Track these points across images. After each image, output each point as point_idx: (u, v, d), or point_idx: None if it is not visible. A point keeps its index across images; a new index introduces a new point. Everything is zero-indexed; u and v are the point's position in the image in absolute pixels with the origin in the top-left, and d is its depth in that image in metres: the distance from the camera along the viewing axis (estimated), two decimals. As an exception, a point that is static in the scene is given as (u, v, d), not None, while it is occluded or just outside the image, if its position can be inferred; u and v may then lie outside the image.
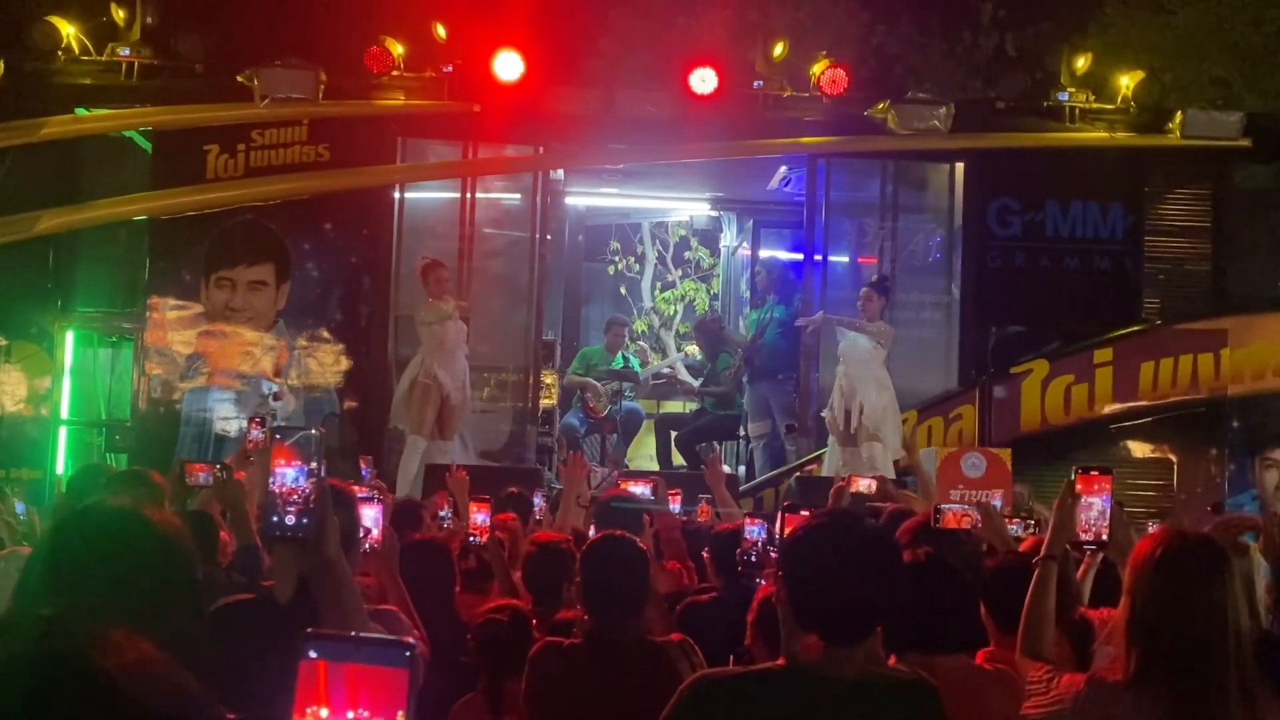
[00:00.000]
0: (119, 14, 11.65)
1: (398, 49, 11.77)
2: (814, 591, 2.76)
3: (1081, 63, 12.31)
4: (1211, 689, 2.73)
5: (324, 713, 1.43)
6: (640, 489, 6.67)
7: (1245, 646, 2.78)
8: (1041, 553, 3.43)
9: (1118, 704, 2.81)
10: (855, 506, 6.51)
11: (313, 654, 1.43)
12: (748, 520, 5.08)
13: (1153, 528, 7.30)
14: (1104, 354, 12.10)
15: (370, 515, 3.86)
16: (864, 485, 6.68)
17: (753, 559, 4.84)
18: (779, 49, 12.09)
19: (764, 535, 4.89)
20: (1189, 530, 3.05)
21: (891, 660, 3.32)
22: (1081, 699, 2.86)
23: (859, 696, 2.76)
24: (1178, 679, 2.75)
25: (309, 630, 1.45)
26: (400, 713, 1.43)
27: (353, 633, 1.47)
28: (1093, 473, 3.49)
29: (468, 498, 6.17)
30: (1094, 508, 3.45)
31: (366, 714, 1.43)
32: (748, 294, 14.68)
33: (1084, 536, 3.46)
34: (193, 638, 2.28)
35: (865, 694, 2.76)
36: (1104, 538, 3.47)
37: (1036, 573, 3.33)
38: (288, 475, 2.40)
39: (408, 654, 1.44)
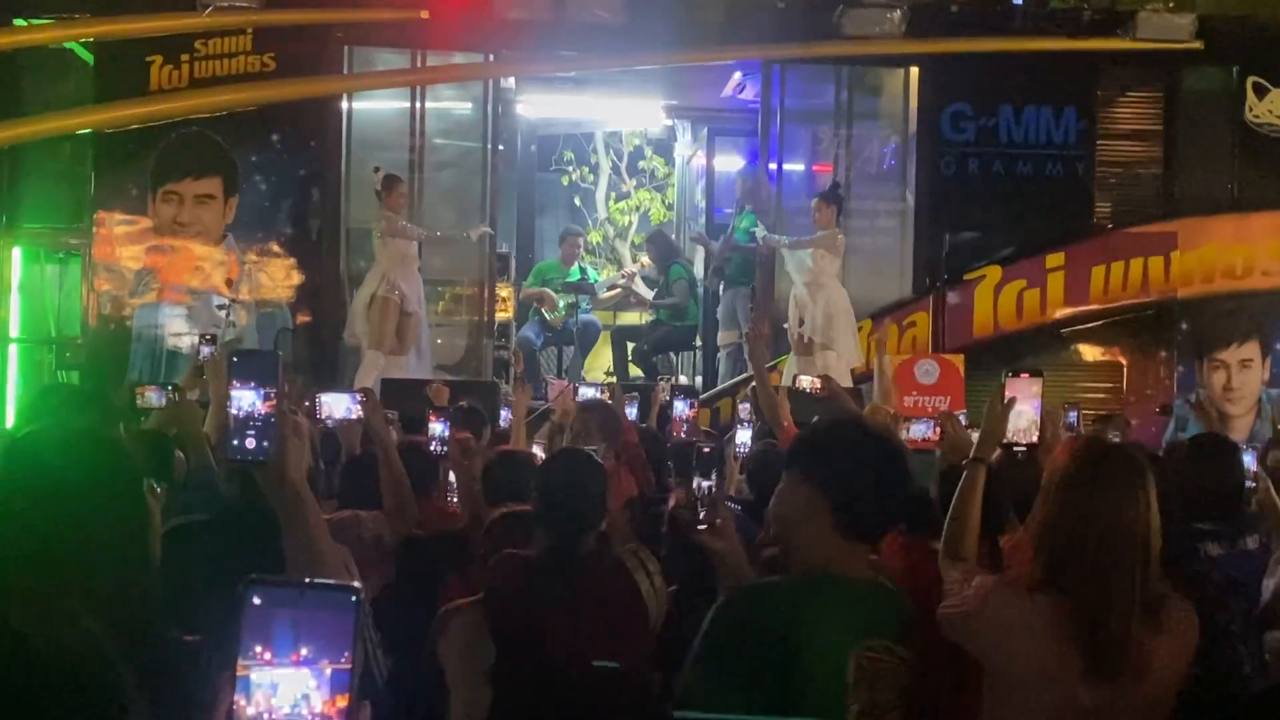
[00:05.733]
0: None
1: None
2: (851, 492, 2.91)
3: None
4: (1112, 599, 2.79)
5: (268, 656, 1.44)
6: (591, 390, 6.76)
7: (1152, 560, 2.84)
8: (970, 454, 3.44)
9: (1022, 605, 2.87)
10: (797, 404, 6.59)
11: (256, 600, 1.44)
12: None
13: (1113, 435, 7.39)
14: (1055, 259, 12.18)
15: None
16: (806, 384, 6.71)
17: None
18: None
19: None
20: (1107, 441, 3.06)
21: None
22: (990, 600, 2.93)
23: (867, 597, 2.94)
24: (1080, 587, 2.81)
25: (251, 576, 1.45)
26: (346, 654, 1.45)
27: (295, 579, 1.48)
28: (1023, 375, 3.49)
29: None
30: (1024, 412, 3.45)
31: (312, 657, 1.44)
32: (703, 203, 14.61)
33: (1014, 439, 3.46)
34: (146, 559, 2.29)
35: (870, 595, 2.95)
36: (1034, 439, 3.47)
37: (964, 475, 3.35)
38: (245, 399, 2.36)
39: (353, 599, 1.45)
